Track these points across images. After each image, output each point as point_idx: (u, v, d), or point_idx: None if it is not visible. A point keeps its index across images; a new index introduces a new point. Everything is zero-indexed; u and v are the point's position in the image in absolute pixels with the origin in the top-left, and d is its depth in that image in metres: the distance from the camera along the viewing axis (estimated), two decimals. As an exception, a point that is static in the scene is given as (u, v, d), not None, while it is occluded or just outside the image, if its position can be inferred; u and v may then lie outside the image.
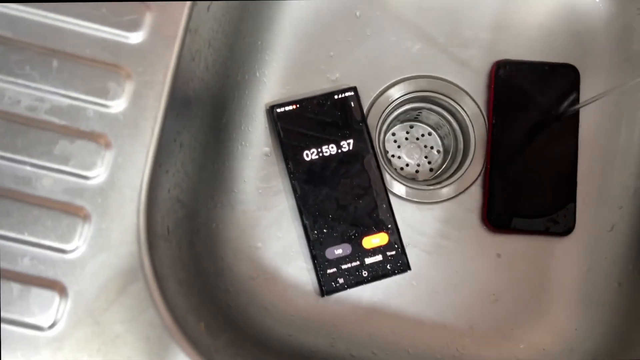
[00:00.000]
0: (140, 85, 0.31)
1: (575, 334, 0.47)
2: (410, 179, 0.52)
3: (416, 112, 0.54)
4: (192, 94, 0.36)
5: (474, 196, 0.50)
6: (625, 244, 0.47)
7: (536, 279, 0.49)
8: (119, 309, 0.30)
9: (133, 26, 0.31)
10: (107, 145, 0.31)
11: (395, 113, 0.53)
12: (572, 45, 0.51)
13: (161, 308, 0.30)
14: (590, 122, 0.49)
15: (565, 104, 0.49)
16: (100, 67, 0.31)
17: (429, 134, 0.55)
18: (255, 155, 0.48)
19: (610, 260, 0.48)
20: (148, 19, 0.32)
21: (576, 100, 0.49)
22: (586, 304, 0.47)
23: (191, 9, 0.32)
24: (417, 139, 0.55)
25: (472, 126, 0.51)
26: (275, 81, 0.49)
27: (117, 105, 0.31)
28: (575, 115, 0.50)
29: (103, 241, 0.30)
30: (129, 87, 0.31)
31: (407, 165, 0.54)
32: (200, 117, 0.39)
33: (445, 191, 0.50)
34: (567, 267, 0.48)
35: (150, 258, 0.31)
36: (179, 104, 0.34)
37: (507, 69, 0.50)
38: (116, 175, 0.31)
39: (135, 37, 0.31)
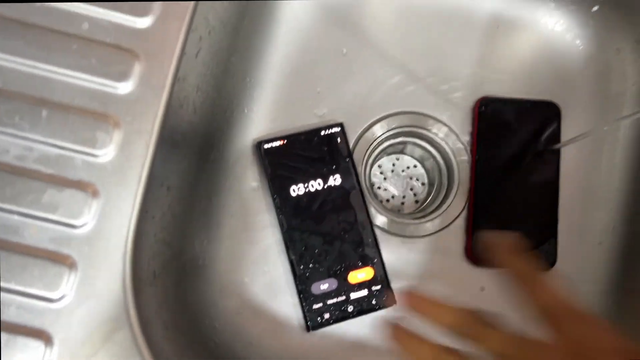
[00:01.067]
0: (128, 134, 0.32)
1: (557, 368, 0.47)
2: (395, 210, 0.53)
3: (402, 146, 0.55)
4: (180, 138, 0.37)
5: (458, 230, 0.51)
6: (605, 279, 0.48)
7: (519, 312, 0.49)
8: (104, 357, 0.30)
9: (122, 76, 0.32)
10: (95, 194, 0.31)
11: (381, 147, 0.54)
12: (553, 83, 0.53)
13: (146, 355, 0.30)
14: (571, 158, 0.51)
15: (547, 140, 0.50)
16: (89, 117, 0.32)
17: (415, 166, 0.55)
18: (243, 190, 0.49)
19: (590, 295, 0.48)
20: (137, 69, 0.32)
21: (557, 136, 0.51)
22: (568, 338, 0.48)
23: (180, 59, 0.33)
24: (403, 171, 0.55)
25: (456, 161, 0.52)
26: (263, 117, 0.50)
27: (105, 155, 0.32)
28: (557, 152, 0.51)
29: (89, 289, 0.31)
30: (117, 136, 0.32)
31: (393, 197, 0.54)
32: (188, 159, 0.40)
33: (430, 225, 0.51)
34: (549, 302, 0.49)
35: (135, 305, 0.31)
36: (167, 149, 0.34)
37: (490, 106, 0.51)
38: (103, 223, 0.31)
39: (124, 87, 0.32)
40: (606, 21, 0.51)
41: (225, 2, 0.40)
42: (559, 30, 0.53)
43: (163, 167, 0.34)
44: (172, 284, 0.39)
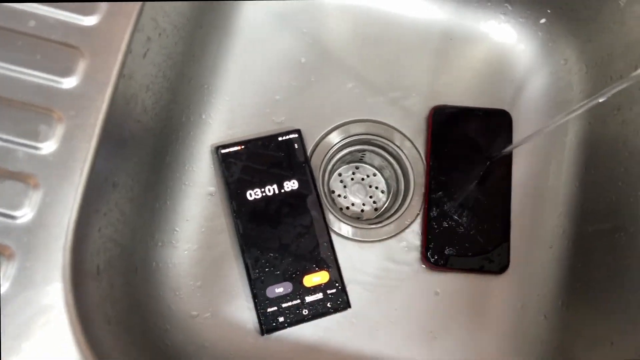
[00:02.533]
0: (71, 128, 0.32)
1: (510, 370, 0.48)
2: (355, 218, 0.54)
3: (360, 154, 0.56)
4: (128, 135, 0.37)
5: (414, 235, 0.51)
6: (555, 281, 0.49)
7: (473, 316, 0.50)
8: (40, 345, 0.30)
9: (66, 72, 0.33)
10: (36, 186, 0.32)
11: (340, 155, 0.55)
12: (505, 92, 0.54)
13: (83, 345, 0.31)
14: (522, 164, 0.52)
15: (499, 147, 0.52)
16: (32, 111, 0.32)
17: (374, 174, 0.57)
18: (199, 195, 0.49)
19: (541, 297, 0.49)
20: (82, 65, 0.33)
21: (509, 143, 0.52)
22: (521, 341, 0.49)
23: (125, 56, 0.34)
24: (363, 179, 0.56)
25: (412, 168, 0.53)
26: (221, 123, 0.51)
27: (47, 147, 0.32)
28: (508, 158, 0.52)
29: (27, 280, 0.31)
30: (60, 130, 0.32)
31: (353, 204, 0.55)
32: (138, 157, 0.40)
33: (386, 230, 0.51)
34: (502, 304, 0.50)
35: (74, 295, 0.31)
36: (112, 145, 0.35)
37: (443, 114, 0.53)
38: (44, 214, 0.32)
39: (68, 82, 0.33)
40: (553, 33, 0.53)
41: (178, 6, 0.41)
42: (509, 42, 0.55)
43: (108, 163, 0.35)
44: (121, 282, 0.39)
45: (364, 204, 0.55)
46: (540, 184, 0.52)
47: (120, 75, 0.34)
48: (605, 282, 0.43)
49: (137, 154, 0.40)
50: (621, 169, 0.44)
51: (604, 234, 0.44)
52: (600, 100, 0.35)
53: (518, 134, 0.52)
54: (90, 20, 0.34)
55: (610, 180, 0.45)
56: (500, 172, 0.52)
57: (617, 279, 0.41)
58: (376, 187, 0.56)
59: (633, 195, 0.42)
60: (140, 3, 0.34)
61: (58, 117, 0.33)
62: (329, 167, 0.54)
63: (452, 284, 0.50)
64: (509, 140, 0.52)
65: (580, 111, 0.37)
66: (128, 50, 0.34)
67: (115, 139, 0.35)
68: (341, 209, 0.54)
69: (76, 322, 0.31)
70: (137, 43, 0.35)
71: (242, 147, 0.50)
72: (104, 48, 0.34)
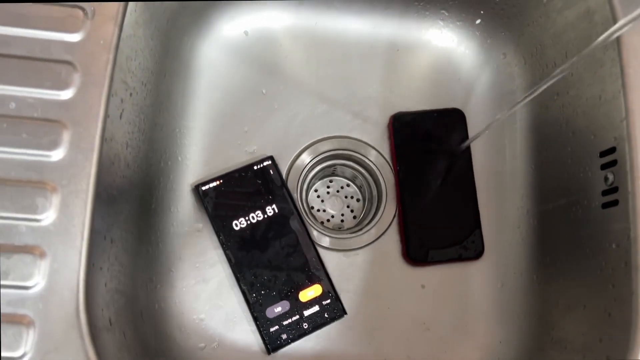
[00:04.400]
0: (66, 197, 0.35)
1: (500, 346, 0.52)
2: (337, 229, 0.57)
3: (332, 168, 0.59)
4: (117, 192, 0.40)
5: (392, 237, 0.55)
6: (527, 258, 0.53)
7: (459, 302, 0.54)
8: (71, 403, 0.33)
9: (53, 145, 0.35)
10: (42, 255, 0.34)
11: (313, 172, 0.58)
12: (455, 91, 0.59)
13: (110, 395, 0.33)
14: (481, 155, 0.56)
15: (457, 142, 0.56)
16: (27, 186, 0.35)
17: (348, 185, 0.60)
18: (188, 233, 0.52)
19: (518, 275, 0.54)
20: (66, 136, 0.36)
21: (466, 137, 0.56)
22: (505, 317, 0.53)
23: (104, 122, 0.36)
24: (338, 191, 0.60)
25: (381, 175, 0.57)
26: (196, 162, 0.54)
27: (47, 218, 0.34)
28: (467, 151, 0.56)
29: (48, 343, 0.33)
30: (56, 200, 0.35)
31: (333, 216, 0.59)
32: (128, 210, 0.43)
33: (366, 237, 0.55)
34: (484, 287, 0.54)
35: (95, 350, 0.34)
36: (105, 204, 0.38)
37: (402, 120, 0.57)
38: (53, 280, 0.34)
39: (56, 155, 0.35)
40: (489, 31, 0.58)
41: (142, 63, 0.44)
42: (451, 45, 0.59)
43: (103, 221, 0.37)
44: (131, 329, 0.42)
45: (342, 214, 0.59)
46: (499, 170, 0.56)
47: (103, 139, 0.36)
48: (570, 253, 0.47)
49: (126, 207, 0.42)
50: (568, 148, 0.48)
51: (563, 209, 0.49)
52: (539, 91, 0.39)
53: (473, 128, 0.56)
54: (66, 94, 0.36)
55: (560, 160, 0.49)
56: (462, 165, 0.56)
57: (579, 248, 0.46)
58: (352, 197, 0.60)
59: (582, 171, 0.46)
60: (109, 71, 0.37)
61: (52, 188, 0.35)
62: (305, 185, 0.57)
63: (435, 276, 0.54)
64: (465, 135, 0.57)
65: (525, 101, 0.41)
66: (106, 115, 0.37)
67: (106, 198, 0.38)
68: (322, 222, 0.58)
69: (100, 374, 0.33)
70: (113, 107, 0.38)
71: (220, 181, 0.53)
72: (84, 117, 0.36)
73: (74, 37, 0.37)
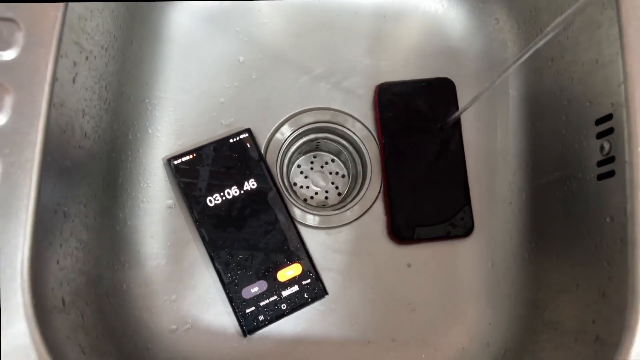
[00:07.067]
0: (7, 167, 0.32)
1: (489, 328, 0.49)
2: (320, 206, 0.54)
3: (315, 143, 0.56)
4: (71, 163, 0.37)
5: (378, 213, 0.52)
6: (519, 236, 0.50)
7: (447, 282, 0.51)
8: (14, 390, 0.30)
9: (-7, 111, 0.32)
10: (-16, 231, 0.31)
11: (295, 146, 0.55)
12: (444, 60, 0.55)
13: (58, 380, 0.30)
14: (471, 128, 0.53)
15: (446, 114, 0.53)
16: (-36, 155, 0.32)
17: (332, 160, 0.57)
18: (159, 210, 0.49)
19: (509, 253, 0.51)
20: (8, 101, 0.33)
21: (456, 109, 0.53)
22: (495, 298, 0.50)
23: (51, 85, 0.33)
24: (322, 167, 0.57)
25: (366, 148, 0.53)
26: (169, 135, 0.51)
27: (-14, 190, 0.32)
28: (457, 124, 0.53)
29: (-10, 326, 0.30)
30: (-4, 170, 0.32)
31: (317, 193, 0.56)
32: (87, 183, 0.40)
33: (350, 213, 0.52)
34: (473, 266, 0.51)
35: (41, 332, 0.31)
36: (55, 176, 0.35)
37: (388, 91, 0.53)
38: (-5, 259, 0.31)
39: (-3, 121, 0.32)
40: (481, -5, 0.54)
41: (101, 26, 0.40)
42: (441, 11, 0.55)
43: (54, 194, 0.35)
44: (93, 310, 0.39)
45: (327, 191, 0.56)
46: (490, 144, 0.53)
47: (50, 104, 0.33)
48: (563, 230, 0.44)
49: (85, 180, 0.39)
50: (562, 117, 0.45)
51: (556, 184, 0.45)
52: (534, 49, 0.35)
53: (463, 99, 0.53)
54: (9, 55, 0.33)
55: (554, 130, 0.46)
56: (451, 138, 0.53)
57: (573, 226, 0.43)
58: (336, 173, 0.57)
59: (577, 142, 0.43)
60: (58, 30, 0.34)
61: (-8, 157, 0.32)
62: (286, 160, 0.54)
63: (422, 254, 0.51)
64: (455, 106, 0.53)
65: (513, 67, 0.38)
66: (54, 79, 0.33)
67: (57, 169, 0.35)
68: (305, 199, 0.55)
69: (47, 358, 0.31)
70: (63, 70, 0.35)
71: (194, 155, 0.50)
72: (29, 80, 0.33)
73: (18, -7, 0.34)
